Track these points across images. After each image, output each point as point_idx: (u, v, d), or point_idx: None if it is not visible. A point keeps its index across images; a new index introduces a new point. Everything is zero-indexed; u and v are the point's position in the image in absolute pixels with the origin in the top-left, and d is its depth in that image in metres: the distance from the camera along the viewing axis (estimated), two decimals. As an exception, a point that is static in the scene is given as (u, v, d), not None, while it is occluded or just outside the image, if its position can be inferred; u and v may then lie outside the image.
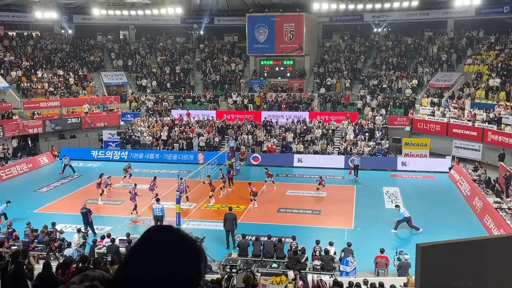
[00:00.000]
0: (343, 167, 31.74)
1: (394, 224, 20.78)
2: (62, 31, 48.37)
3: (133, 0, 44.20)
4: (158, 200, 21.15)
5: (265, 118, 38.41)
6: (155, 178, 25.54)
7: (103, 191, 25.53)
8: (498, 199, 23.45)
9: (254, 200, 23.95)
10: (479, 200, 22.91)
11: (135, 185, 23.84)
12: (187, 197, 24.58)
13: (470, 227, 20.71)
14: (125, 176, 28.80)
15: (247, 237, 18.01)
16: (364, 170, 30.46)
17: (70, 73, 43.37)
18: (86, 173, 30.88)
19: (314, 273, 15.74)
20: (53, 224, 19.00)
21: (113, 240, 16.88)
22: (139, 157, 34.91)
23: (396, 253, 16.51)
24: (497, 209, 21.28)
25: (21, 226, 19.24)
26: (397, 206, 21.74)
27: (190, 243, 1.64)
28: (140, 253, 1.61)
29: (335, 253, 16.77)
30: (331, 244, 17.03)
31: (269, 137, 35.66)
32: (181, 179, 23.90)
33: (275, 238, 17.79)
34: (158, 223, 19.96)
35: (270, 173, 27.42)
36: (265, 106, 40.59)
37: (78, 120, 38.54)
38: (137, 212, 22.70)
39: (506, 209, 21.52)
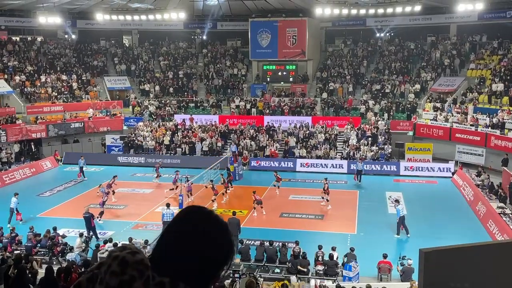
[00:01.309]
0: (346, 172, 31.80)
1: (396, 229, 20.72)
2: (66, 36, 48.56)
3: (136, 5, 44.34)
4: (168, 205, 20.95)
5: (268, 123, 38.43)
6: (177, 171, 27.06)
7: (108, 192, 25.57)
8: (502, 204, 23.36)
9: (261, 207, 23.58)
10: (483, 205, 22.83)
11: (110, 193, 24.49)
12: (190, 192, 25.13)
13: (473, 232, 20.63)
14: (157, 176, 29.62)
15: (246, 242, 17.97)
16: (367, 175, 30.44)
17: (74, 77, 43.49)
18: (89, 178, 30.89)
19: (316, 278, 15.69)
20: (55, 228, 19.00)
21: (115, 245, 16.87)
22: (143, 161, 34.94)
23: (399, 258, 16.46)
24: (501, 214, 21.20)
25: (24, 231, 19.25)
26: (396, 201, 21.65)
27: (222, 224, 1.74)
28: (173, 230, 1.71)
29: (337, 258, 16.73)
30: (333, 249, 16.99)
31: (272, 141, 35.66)
32: (188, 179, 25.27)
33: (277, 243, 17.75)
34: None
35: (279, 177, 27.32)
36: (267, 111, 40.62)
37: (81, 124, 38.63)
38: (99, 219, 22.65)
39: (510, 214, 21.43)
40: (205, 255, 1.66)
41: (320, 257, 16.68)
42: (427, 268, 2.27)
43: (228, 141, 36.71)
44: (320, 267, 16.33)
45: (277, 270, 16.72)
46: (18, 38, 46.70)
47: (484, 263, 2.33)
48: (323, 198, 24.99)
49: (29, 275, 11.47)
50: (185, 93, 44.81)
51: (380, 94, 40.55)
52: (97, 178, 30.42)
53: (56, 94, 40.78)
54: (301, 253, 16.73)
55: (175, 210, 21.21)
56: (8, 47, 43.80)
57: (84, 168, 31.12)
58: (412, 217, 22.11)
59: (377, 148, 33.79)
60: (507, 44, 39.63)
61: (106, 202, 23.69)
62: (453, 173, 30.52)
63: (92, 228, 20.09)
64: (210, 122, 39.27)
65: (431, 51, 43.39)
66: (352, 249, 16.73)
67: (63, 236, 18.76)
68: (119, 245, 14.69)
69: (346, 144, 34.83)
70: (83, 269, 13.16)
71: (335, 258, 16.50)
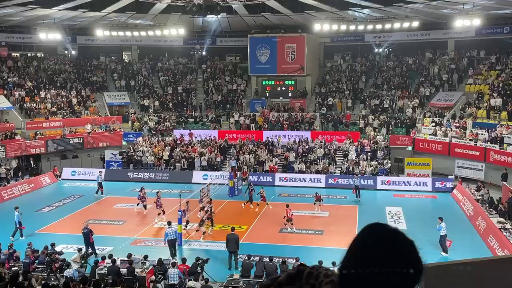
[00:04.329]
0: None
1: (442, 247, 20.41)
2: (66, 52, 48.82)
3: (136, 21, 44.65)
4: (169, 223, 20.62)
5: (267, 137, 38.47)
6: (203, 189, 26.26)
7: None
8: (502, 219, 23.26)
9: (291, 224, 23.18)
10: (483, 220, 22.75)
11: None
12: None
13: (474, 248, 20.54)
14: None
15: (252, 258, 17.79)
16: (366, 190, 30.38)
17: (73, 93, 43.58)
18: (87, 193, 30.79)
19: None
20: (53, 245, 18.86)
21: (114, 261, 16.75)
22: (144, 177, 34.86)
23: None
24: (501, 229, 21.11)
25: (22, 247, 19.13)
26: (440, 218, 21.02)
27: (410, 241, 1.66)
28: (362, 250, 1.67)
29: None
30: (334, 264, 16.85)
31: (271, 156, 35.64)
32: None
33: (277, 259, 17.63)
34: (172, 249, 19.72)
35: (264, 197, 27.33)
36: (266, 126, 40.70)
37: (80, 140, 38.62)
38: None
39: (510, 229, 21.34)
40: (396, 274, 1.55)
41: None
42: (427, 283, 2.26)
43: (227, 156, 36.70)
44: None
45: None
46: (18, 54, 46.94)
47: (485, 278, 2.32)
48: (315, 203, 26.14)
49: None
50: (185, 108, 44.92)
51: (380, 109, 40.66)
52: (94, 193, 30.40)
53: (55, 109, 40.82)
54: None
55: (175, 226, 21.10)
56: (8, 63, 43.98)
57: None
58: (412, 232, 21.92)
59: (376, 163, 33.78)
60: (504, 59, 39.88)
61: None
62: (452, 188, 30.50)
63: (91, 244, 19.98)
64: (210, 137, 39.31)
65: (429, 66, 43.62)
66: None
67: (60, 253, 18.57)
68: (117, 260, 14.33)
69: (346, 159, 34.82)
70: (81, 286, 13.05)
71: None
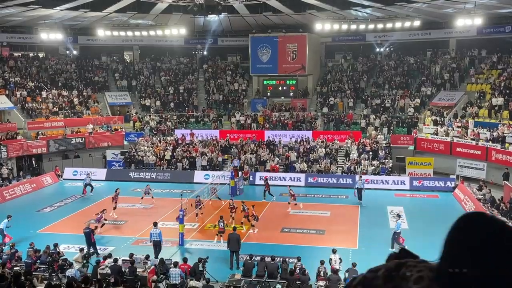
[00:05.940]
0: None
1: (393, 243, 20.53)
2: (67, 52, 48.83)
3: (137, 21, 44.65)
4: (155, 224, 20.31)
5: (269, 137, 38.45)
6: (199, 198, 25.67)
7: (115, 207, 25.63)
8: (504, 219, 23.22)
9: (253, 225, 23.26)
10: (484, 220, 22.68)
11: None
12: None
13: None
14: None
15: (253, 257, 17.78)
16: (367, 189, 30.32)
17: (75, 93, 43.62)
18: (88, 193, 30.80)
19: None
20: (55, 245, 18.81)
21: (115, 261, 16.76)
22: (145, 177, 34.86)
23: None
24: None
25: (24, 247, 19.14)
26: (398, 216, 21.84)
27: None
28: (461, 243, 1.38)
29: (341, 261, 17.10)
30: (334, 251, 17.09)
31: (273, 156, 35.63)
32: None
33: (278, 259, 17.63)
34: (157, 249, 19.63)
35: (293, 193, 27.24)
36: (267, 125, 40.69)
37: (82, 140, 38.63)
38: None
39: (512, 229, 21.28)
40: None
41: (322, 272, 16.56)
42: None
43: (228, 154, 36.65)
44: (321, 283, 16.18)
45: (279, 286, 16.57)
46: (20, 54, 46.98)
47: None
48: (290, 202, 26.50)
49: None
50: (186, 108, 44.92)
51: (381, 109, 40.62)
52: (98, 194, 30.42)
53: (57, 109, 40.85)
54: (300, 269, 16.61)
55: (169, 224, 21.06)
56: (9, 63, 44.02)
57: (89, 184, 30.85)
58: (413, 232, 22.01)
59: (378, 162, 33.74)
60: (506, 58, 39.81)
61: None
62: (454, 188, 30.48)
63: (93, 244, 19.98)
64: (211, 137, 39.31)
65: (431, 66, 43.57)
66: (354, 264, 16.58)
67: (60, 254, 18.50)
68: (119, 260, 14.35)
69: (347, 159, 34.79)
70: (82, 286, 13.06)
71: (334, 261, 16.79)
